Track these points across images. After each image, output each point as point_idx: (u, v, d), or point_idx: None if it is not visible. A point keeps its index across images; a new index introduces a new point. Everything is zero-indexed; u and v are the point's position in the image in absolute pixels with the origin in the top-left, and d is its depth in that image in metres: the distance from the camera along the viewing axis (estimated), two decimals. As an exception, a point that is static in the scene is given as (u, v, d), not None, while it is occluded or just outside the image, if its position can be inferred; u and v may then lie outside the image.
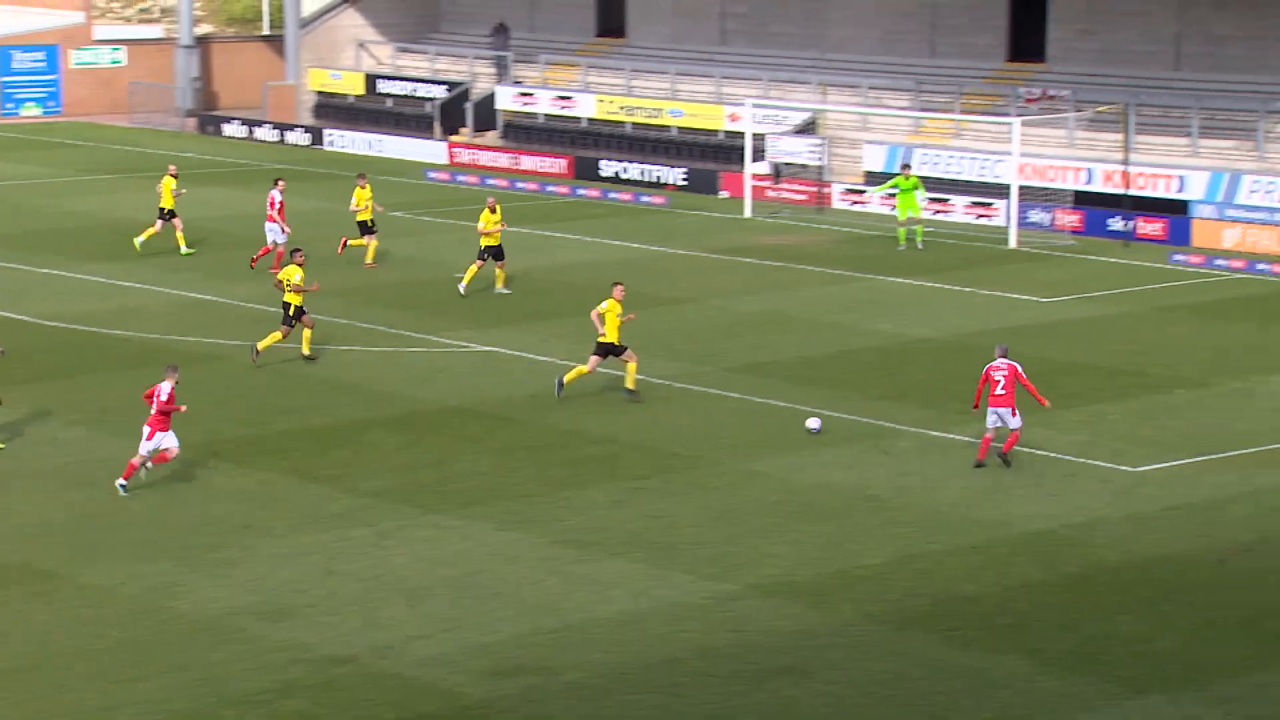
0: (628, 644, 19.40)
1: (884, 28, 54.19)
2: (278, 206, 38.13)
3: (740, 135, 49.66)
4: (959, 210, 45.48)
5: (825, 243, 43.28)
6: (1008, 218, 43.51)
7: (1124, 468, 25.24)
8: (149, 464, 24.18)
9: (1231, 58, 47.50)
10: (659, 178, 51.77)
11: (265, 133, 61.25)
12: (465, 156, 56.05)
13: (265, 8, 71.40)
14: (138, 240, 40.50)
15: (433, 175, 53.54)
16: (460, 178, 52.88)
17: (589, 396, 29.15)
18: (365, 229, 39.41)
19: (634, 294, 37.10)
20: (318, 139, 60.16)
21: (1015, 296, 36.85)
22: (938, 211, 45.82)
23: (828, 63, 54.42)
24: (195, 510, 23.66)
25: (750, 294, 37.23)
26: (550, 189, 51.56)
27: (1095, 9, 50.01)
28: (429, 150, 57.20)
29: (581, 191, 51.11)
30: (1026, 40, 51.47)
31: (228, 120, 62.90)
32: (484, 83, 59.93)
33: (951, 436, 26.79)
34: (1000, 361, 25.06)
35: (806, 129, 50.81)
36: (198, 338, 32.84)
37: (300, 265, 30.93)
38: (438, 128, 59.59)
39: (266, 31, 70.27)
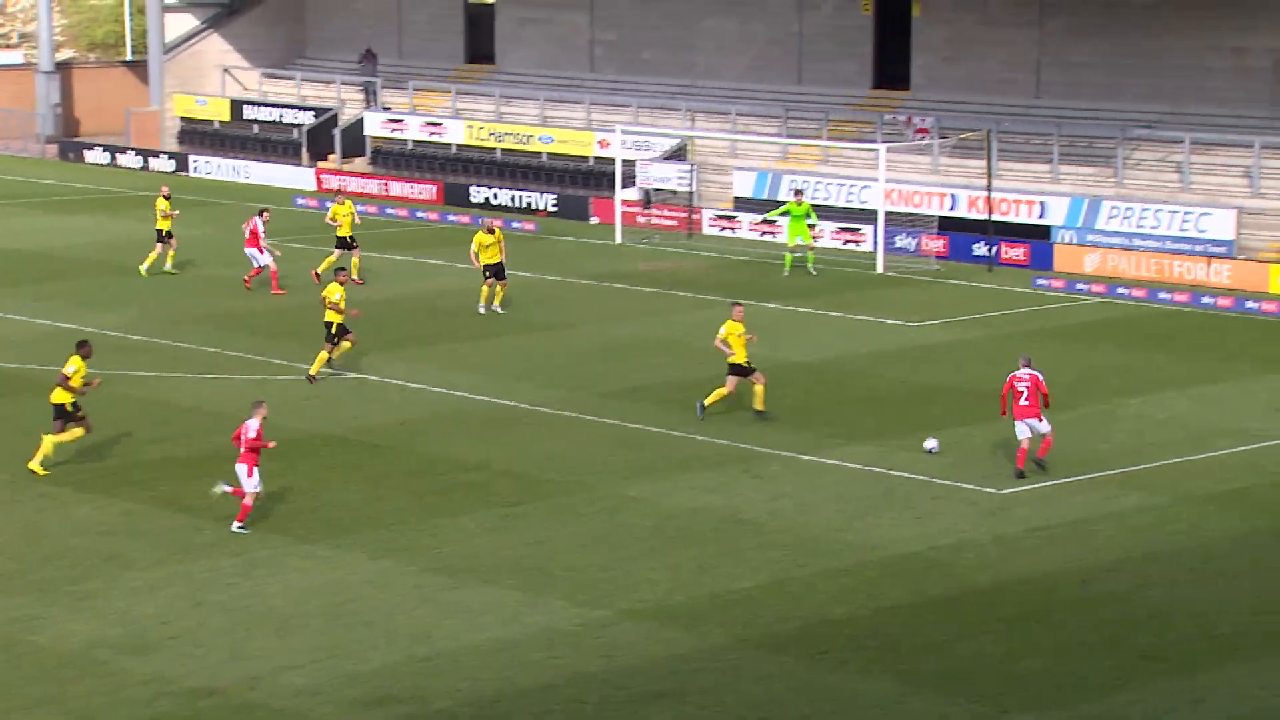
0: (500, 671, 19.31)
1: (752, 55, 54.67)
2: (260, 235, 39.18)
3: (610, 161, 49.80)
4: (827, 236, 45.92)
5: (697, 268, 43.51)
6: (875, 243, 44.02)
7: (991, 490, 25.59)
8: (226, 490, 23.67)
9: (1090, 85, 48.49)
10: (529, 204, 51.76)
11: (129, 159, 60.42)
12: (333, 184, 55.66)
13: (128, 33, 70.48)
14: (142, 266, 40.96)
15: (301, 202, 53.10)
16: (329, 204, 52.42)
17: (461, 423, 29.02)
18: (344, 244, 40.01)
19: (506, 321, 37.13)
20: (183, 165, 59.43)
21: (883, 321, 37.28)
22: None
23: (697, 89, 54.79)
24: (56, 542, 23.21)
25: (624, 319, 37.31)
26: (420, 215, 51.35)
27: (957, 37, 50.83)
28: (296, 177, 56.73)
29: (451, 218, 50.94)
30: (891, 68, 52.19)
31: (89, 147, 61.96)
32: (352, 109, 59.56)
33: (822, 460, 27.01)
34: (1024, 372, 25.84)
35: (676, 155, 51.08)
36: (59, 366, 32.24)
37: (342, 285, 31.45)
38: (305, 154, 59.12)
39: (129, 57, 69.34)
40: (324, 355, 31.31)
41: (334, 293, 31.23)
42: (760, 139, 51.03)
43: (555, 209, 50.92)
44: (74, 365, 26.49)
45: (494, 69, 59.94)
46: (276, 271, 39.42)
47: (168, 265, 41.34)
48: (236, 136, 60.87)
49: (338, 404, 30.11)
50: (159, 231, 41.33)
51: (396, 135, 57.58)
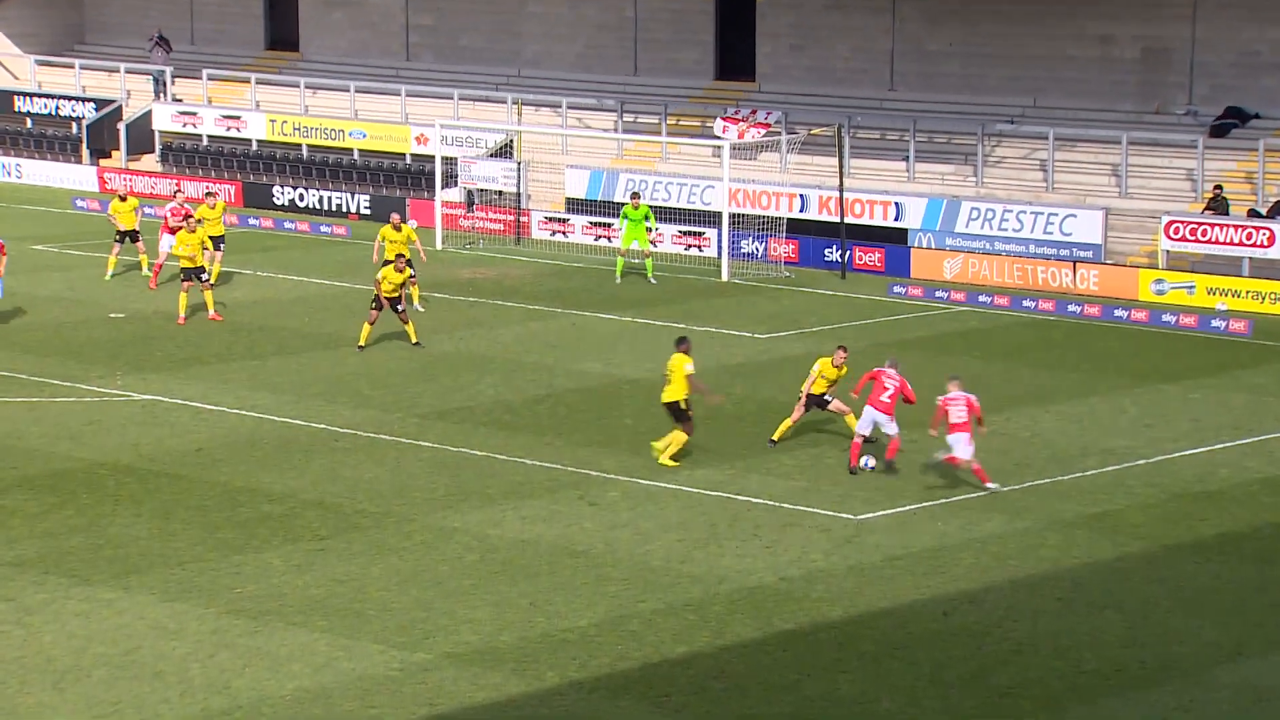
0: (310, 724, 19.17)
1: (583, 42, 54.89)
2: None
3: (429, 159, 49.70)
4: (668, 240, 46.25)
5: (525, 276, 43.55)
6: (719, 248, 44.42)
7: (845, 515, 25.95)
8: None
9: (947, 77, 49.39)
10: (339, 206, 51.45)
11: (-117, 157, 59.01)
12: (118, 183, 54.81)
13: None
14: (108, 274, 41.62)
15: (81, 204, 52.24)
16: (106, 205, 51.65)
17: (264, 448, 28.76)
18: (216, 244, 40.68)
19: (312, 335, 36.87)
20: (-54, 163, 58.20)
21: (730, 332, 37.62)
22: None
23: (524, 80, 54.87)
24: None
25: (444, 332, 37.23)
26: (253, 222, 50.74)
27: (805, 24, 51.48)
28: (76, 176, 55.82)
29: (253, 221, 50.45)
30: (735, 57, 52.72)
31: None
32: (139, 101, 58.74)
33: (664, 485, 27.19)
34: (893, 371, 27.38)
35: (502, 152, 51.12)
36: None
37: (399, 271, 35.00)
38: (85, 151, 58.16)
39: (-118, 44, 67.61)
40: (367, 328, 35.14)
41: (395, 277, 34.82)
42: (594, 134, 51.23)
43: (369, 211, 50.67)
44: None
45: (298, 57, 59.51)
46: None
47: (144, 270, 41.85)
48: (6, 131, 59.71)
49: (124, 429, 29.68)
50: (121, 233, 41.50)
51: (190, 130, 56.91)
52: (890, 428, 27.55)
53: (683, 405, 28.02)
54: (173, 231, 40.30)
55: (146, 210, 43.62)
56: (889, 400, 27.40)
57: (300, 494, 26.54)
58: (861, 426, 27.63)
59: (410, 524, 25.32)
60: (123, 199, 41.70)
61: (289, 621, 21.79)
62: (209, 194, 42.99)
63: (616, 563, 23.93)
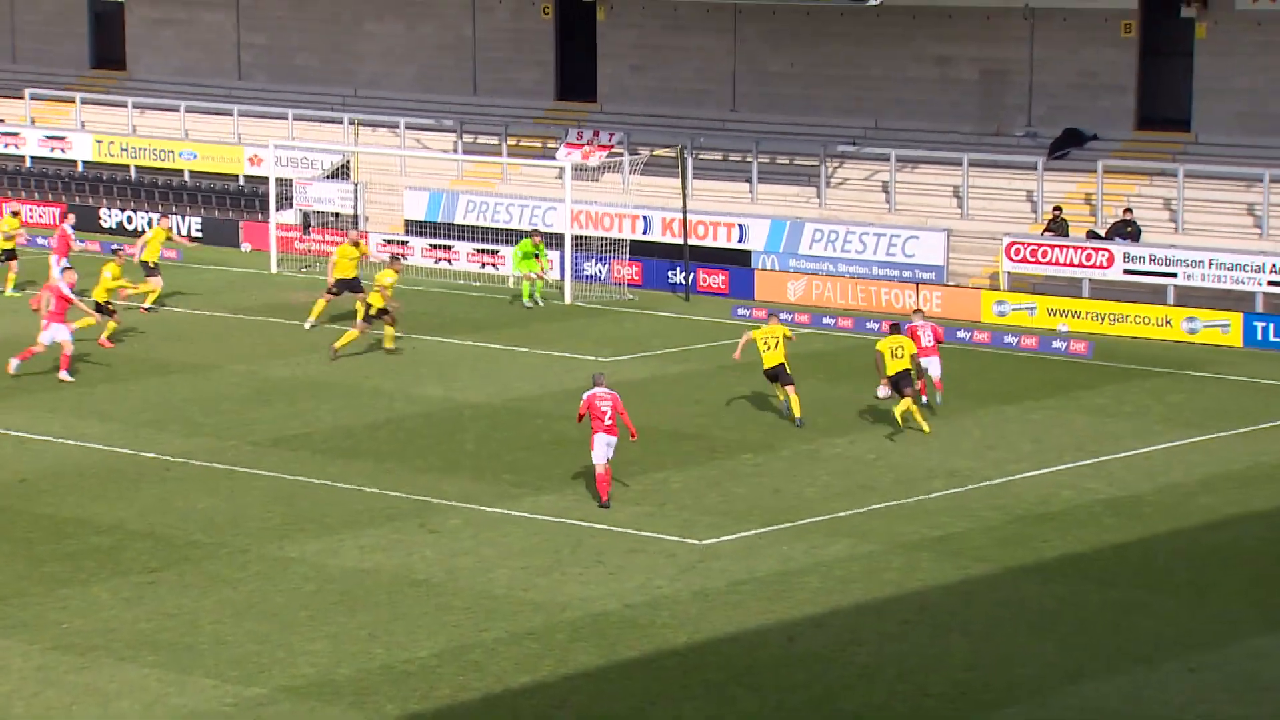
0: (140, 763, 18.88)
1: (421, 62, 54.74)
2: (70, 243, 42.13)
3: (263, 180, 49.26)
4: (509, 263, 46.18)
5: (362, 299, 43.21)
6: (561, 270, 44.46)
7: (690, 540, 26.06)
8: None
9: (789, 98, 49.88)
10: (170, 229, 50.80)
11: None
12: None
13: None
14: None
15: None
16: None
17: (91, 478, 28.29)
18: (148, 270, 41.08)
19: (142, 360, 36.36)
20: None
21: (573, 356, 37.65)
22: (485, 264, 46.48)
23: (361, 100, 54.59)
24: None
25: (279, 358, 36.89)
26: (41, 242, 49.91)
27: (646, 44, 51.74)
28: (-106, 197, 54.57)
29: (80, 244, 49.63)
30: (576, 77, 52.85)
31: None
32: (-40, 119, 57.65)
33: (505, 512, 27.13)
34: (603, 391, 27.20)
35: (339, 173, 50.79)
36: None
37: (398, 272, 37.90)
38: (-97, 172, 56.96)
39: None
40: (353, 335, 36.51)
41: (386, 277, 36.98)
42: (433, 155, 51.08)
43: (200, 234, 50.10)
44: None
45: (125, 75, 58.74)
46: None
47: (9, 290, 42.47)
48: None
49: (-56, 460, 29.07)
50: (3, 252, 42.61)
51: (11, 151, 55.93)
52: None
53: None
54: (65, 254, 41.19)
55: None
56: (611, 422, 27.17)
57: (129, 525, 26.15)
58: (600, 456, 27.25)
59: (245, 555, 25.04)
60: (14, 214, 42.37)
61: (118, 657, 21.45)
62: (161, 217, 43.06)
63: (458, 591, 23.84)
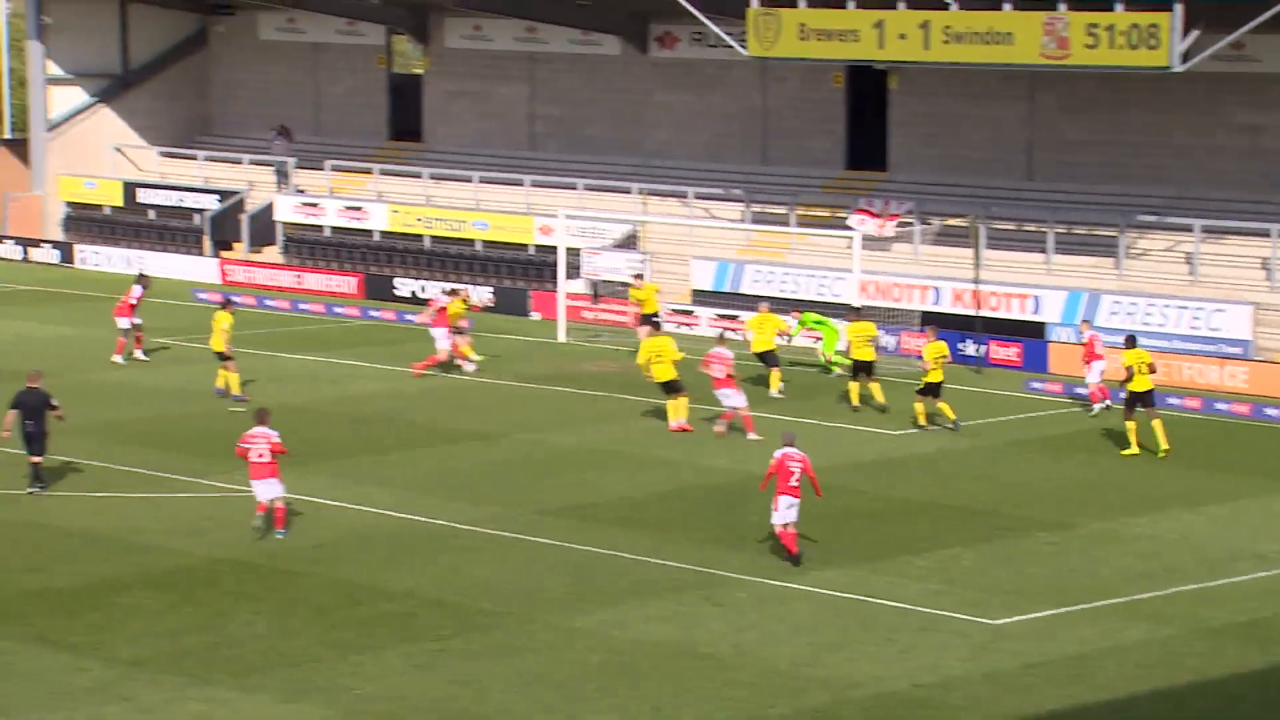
0: (428, 830, 19.17)
1: (711, 131, 55.22)
2: (135, 303, 43.67)
3: (553, 250, 50.06)
4: (798, 333, 46.20)
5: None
6: (848, 342, 44.25)
7: (981, 620, 25.68)
8: None
9: (1087, 166, 49.15)
10: (463, 298, 51.92)
11: (6, 250, 60.36)
12: (240, 275, 55.74)
13: (6, 109, 70.53)
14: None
15: (203, 296, 53.13)
16: (235, 299, 52.49)
17: (384, 545, 28.95)
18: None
19: (433, 428, 37.16)
20: (68, 256, 59.42)
21: (861, 428, 37.47)
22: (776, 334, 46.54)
23: (649, 170, 55.24)
24: (-78, 684, 22.99)
25: (567, 428, 37.37)
26: (338, 310, 51.44)
27: (939, 113, 51.48)
28: (198, 268, 56.79)
29: (374, 313, 51.04)
30: (866, 146, 52.79)
31: (-40, 236, 61.92)
32: (262, 192, 59.79)
33: (793, 586, 27.05)
34: (795, 451, 27.85)
35: (627, 243, 51.43)
36: (-74, 483, 32.08)
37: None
38: (208, 243, 59.22)
39: (8, 135, 69.38)
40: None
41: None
42: (720, 225, 51.43)
43: (491, 303, 51.12)
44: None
45: (422, 147, 60.32)
46: (125, 342, 43.24)
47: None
48: (130, 224, 60.94)
49: (243, 524, 29.99)
50: None
51: (312, 221, 57.75)
52: (733, 400, 36.08)
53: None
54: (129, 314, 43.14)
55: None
56: (797, 484, 27.77)
57: (420, 592, 26.68)
58: (783, 518, 27.89)
59: (532, 624, 25.35)
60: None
61: (408, 723, 21.84)
62: (227, 303, 41.44)
63: (743, 666, 23.81)
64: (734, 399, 36.38)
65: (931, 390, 37.02)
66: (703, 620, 25.59)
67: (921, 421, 36.93)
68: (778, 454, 28.01)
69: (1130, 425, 35.23)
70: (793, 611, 25.99)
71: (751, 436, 35.79)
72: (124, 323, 43.63)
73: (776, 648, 24.54)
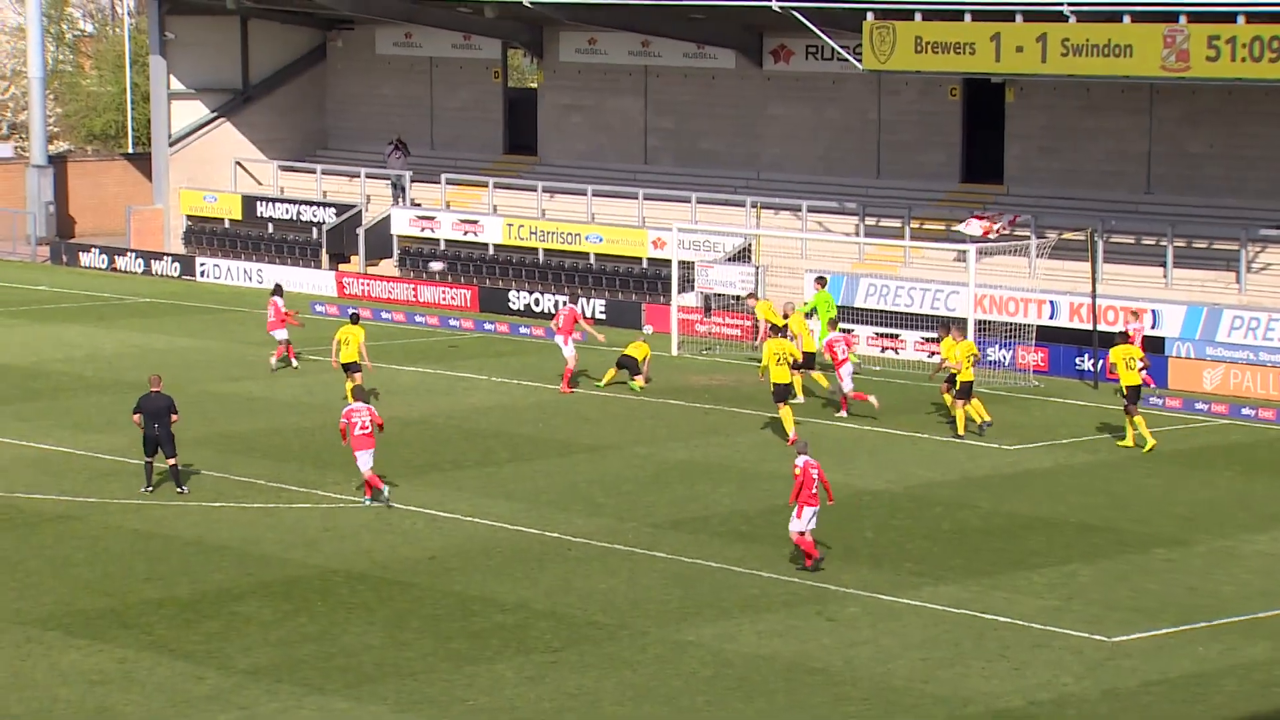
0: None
1: (825, 144, 55.10)
2: (282, 311, 44.15)
3: (666, 263, 50.10)
4: (910, 347, 45.98)
5: (763, 382, 43.53)
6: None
7: (1098, 637, 25.42)
8: None
9: (1208, 179, 48.58)
10: (586, 309, 52.09)
11: (129, 262, 61.24)
12: (356, 288, 56.20)
13: (129, 124, 71.62)
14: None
15: (319, 309, 53.63)
16: (352, 312, 52.91)
17: (496, 557, 29.08)
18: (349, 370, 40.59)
19: (546, 441, 37.31)
20: (189, 269, 60.19)
21: (974, 443, 37.22)
22: (885, 348, 46.36)
23: (763, 183, 55.19)
24: (41, 694, 23.32)
25: (679, 440, 37.39)
26: (453, 323, 51.75)
27: (1056, 125, 51.08)
28: (315, 281, 57.33)
29: (488, 326, 51.31)
30: (982, 159, 52.46)
31: (85, 249, 62.84)
32: (378, 205, 60.29)
33: (905, 601, 26.90)
34: (812, 459, 28.08)
35: (740, 256, 51.39)
36: (45, 494, 32.56)
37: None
38: (325, 256, 59.78)
39: (131, 150, 70.45)
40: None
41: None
42: (834, 238, 51.27)
43: (604, 316, 51.23)
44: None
45: (536, 160, 60.61)
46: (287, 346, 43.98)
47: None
48: (249, 236, 61.66)
49: (357, 536, 30.24)
50: None
51: (427, 234, 58.17)
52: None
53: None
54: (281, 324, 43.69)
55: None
56: (818, 491, 27.94)
57: (533, 604, 26.76)
58: (802, 525, 28.00)
59: (644, 637, 25.36)
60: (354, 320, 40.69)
61: (520, 735, 21.91)
62: (355, 318, 41.23)
63: (856, 681, 23.70)
64: (849, 381, 38.68)
65: (964, 392, 37.16)
66: (815, 635, 25.50)
67: (963, 428, 37.21)
68: (799, 463, 28.00)
69: (1139, 421, 36.38)
70: (906, 627, 25.84)
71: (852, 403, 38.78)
72: (280, 334, 44.12)
73: (889, 664, 24.40)
